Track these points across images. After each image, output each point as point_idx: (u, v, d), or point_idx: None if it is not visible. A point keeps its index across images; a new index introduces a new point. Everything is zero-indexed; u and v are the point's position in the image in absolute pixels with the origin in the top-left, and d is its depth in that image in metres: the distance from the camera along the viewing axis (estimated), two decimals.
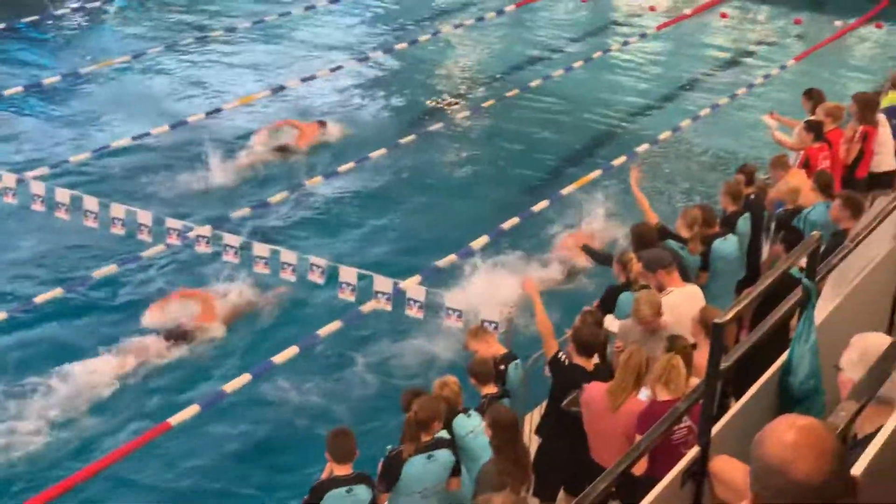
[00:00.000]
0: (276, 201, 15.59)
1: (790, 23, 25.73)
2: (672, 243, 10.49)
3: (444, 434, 8.22)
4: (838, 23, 24.91)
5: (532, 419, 9.56)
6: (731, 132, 18.85)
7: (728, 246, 10.97)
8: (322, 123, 17.92)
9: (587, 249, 11.81)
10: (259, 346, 12.43)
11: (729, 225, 11.28)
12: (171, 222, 12.32)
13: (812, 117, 13.51)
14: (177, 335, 12.38)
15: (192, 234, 12.59)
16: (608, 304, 9.93)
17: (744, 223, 11.40)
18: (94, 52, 20.98)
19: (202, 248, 12.51)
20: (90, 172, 16.10)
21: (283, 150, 17.19)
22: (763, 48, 24.18)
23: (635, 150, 17.79)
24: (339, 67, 20.65)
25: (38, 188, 13.15)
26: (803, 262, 5.83)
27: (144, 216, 12.48)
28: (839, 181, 13.04)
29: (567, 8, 25.72)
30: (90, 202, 12.61)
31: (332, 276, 11.63)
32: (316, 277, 11.83)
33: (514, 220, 15.23)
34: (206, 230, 12.55)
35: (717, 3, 26.34)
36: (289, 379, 11.81)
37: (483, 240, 14.60)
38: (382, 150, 17.26)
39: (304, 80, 19.93)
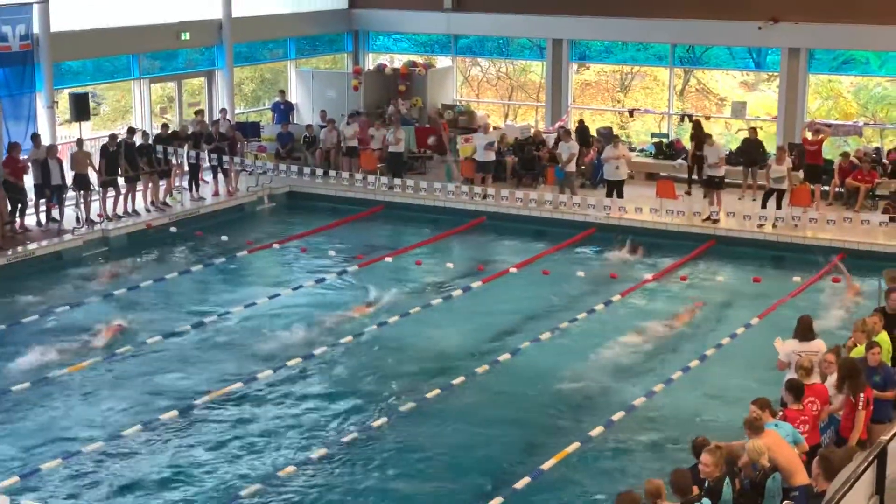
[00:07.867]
0: None
1: (749, 282, 26.13)
2: None
3: None
4: (796, 279, 25.33)
5: None
6: (703, 395, 18.83)
7: None
8: None
9: None
10: None
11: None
12: None
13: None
14: None
15: None
16: None
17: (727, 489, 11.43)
18: None
19: None
20: None
21: None
22: (726, 308, 24.48)
23: (612, 418, 17.77)
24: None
25: None
26: None
27: None
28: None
29: (526, 282, 25.88)
30: None
31: None
32: None
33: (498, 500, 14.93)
34: None
35: (677, 266, 26.85)
36: None
37: None
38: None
39: None
